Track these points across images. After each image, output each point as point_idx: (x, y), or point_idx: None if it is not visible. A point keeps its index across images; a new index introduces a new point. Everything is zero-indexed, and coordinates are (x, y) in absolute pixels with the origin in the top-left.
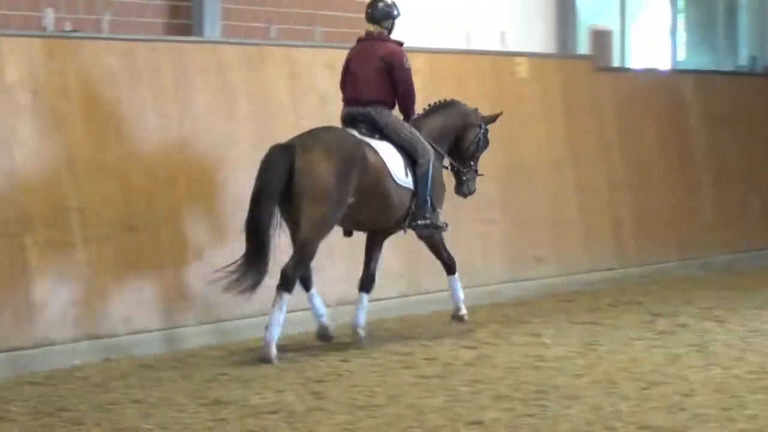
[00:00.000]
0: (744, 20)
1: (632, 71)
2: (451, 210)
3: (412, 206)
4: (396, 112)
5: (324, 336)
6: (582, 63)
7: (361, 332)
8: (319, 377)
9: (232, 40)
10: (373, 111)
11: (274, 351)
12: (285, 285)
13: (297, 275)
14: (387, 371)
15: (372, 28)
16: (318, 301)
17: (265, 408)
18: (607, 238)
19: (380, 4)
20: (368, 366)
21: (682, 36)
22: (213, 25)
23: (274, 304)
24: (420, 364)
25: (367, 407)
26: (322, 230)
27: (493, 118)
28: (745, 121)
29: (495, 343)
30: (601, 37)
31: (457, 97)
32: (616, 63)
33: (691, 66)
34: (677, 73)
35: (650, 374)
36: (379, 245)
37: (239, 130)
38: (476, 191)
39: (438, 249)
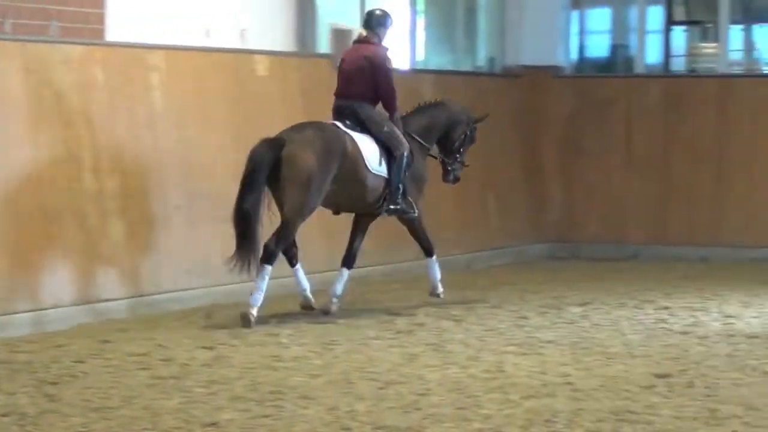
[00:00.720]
0: (483, 21)
1: None
2: (188, 210)
3: (386, 192)
4: (380, 107)
5: (307, 306)
6: (322, 62)
7: (335, 301)
8: (53, 379)
9: None
10: (356, 105)
11: (255, 313)
12: (267, 258)
13: (278, 250)
14: (122, 372)
15: (365, 32)
16: (301, 275)
17: None
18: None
19: (377, 13)
20: (103, 367)
21: (421, 36)
22: None
23: (257, 275)
24: (156, 365)
25: (102, 409)
26: (303, 213)
27: (481, 119)
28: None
29: (232, 343)
30: (341, 36)
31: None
32: None
33: (431, 66)
34: (416, 72)
35: (387, 374)
36: (364, 227)
37: None
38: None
39: (417, 233)
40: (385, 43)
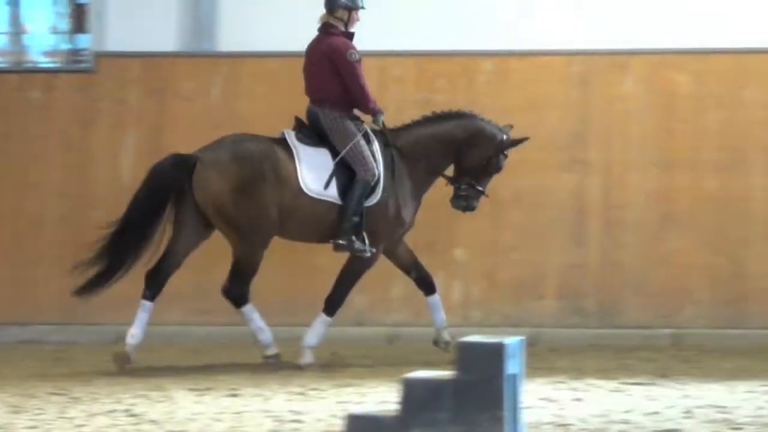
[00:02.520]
0: None
1: None
2: None
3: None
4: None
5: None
6: None
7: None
8: None
9: None
10: (321, 112)
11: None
12: (238, 303)
13: (241, 292)
14: None
15: (325, 18)
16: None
17: None
18: None
19: None
20: None
21: None
22: None
23: (248, 321)
24: None
25: None
26: (246, 247)
27: (516, 142)
28: None
29: None
30: None
31: None
32: None
33: None
34: None
35: None
36: (402, 253)
37: None
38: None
39: (343, 277)
40: (353, 27)
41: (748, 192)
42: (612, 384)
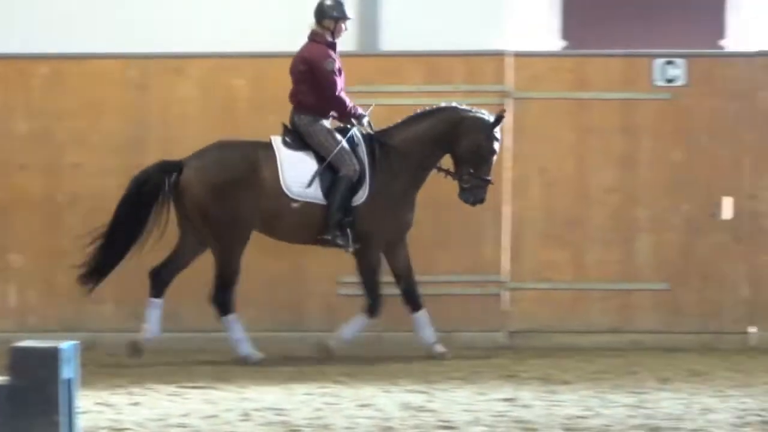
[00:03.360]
0: None
1: None
2: None
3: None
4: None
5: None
6: None
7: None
8: None
9: None
10: (297, 118)
11: (255, 353)
12: (222, 311)
13: (224, 300)
14: None
15: (312, 26)
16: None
17: None
18: None
19: (326, 3)
20: None
21: None
22: None
23: (228, 330)
24: None
25: None
26: (222, 250)
27: (497, 122)
28: None
29: None
30: None
31: None
32: None
33: None
34: None
35: None
36: (400, 258)
37: None
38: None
39: (364, 285)
40: (339, 36)
41: None
42: (170, 388)
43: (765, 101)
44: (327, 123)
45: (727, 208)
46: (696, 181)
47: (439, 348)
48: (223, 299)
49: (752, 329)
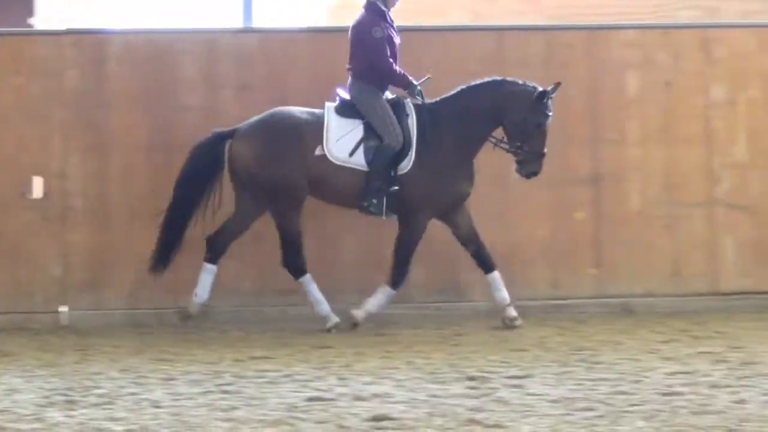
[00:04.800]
0: None
1: None
2: None
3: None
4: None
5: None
6: None
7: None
8: None
9: None
10: (350, 86)
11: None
12: (294, 275)
13: (295, 263)
14: None
15: None
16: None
17: None
18: None
19: None
20: None
21: None
22: None
23: (305, 292)
24: None
25: None
26: (279, 212)
27: (546, 95)
28: None
29: None
30: None
31: None
32: None
33: None
34: None
35: None
36: (463, 224)
37: None
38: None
39: (396, 250)
40: (392, 5)
41: None
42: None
43: (73, 80)
44: (378, 92)
45: (38, 187)
46: (6, 159)
47: (512, 312)
48: (293, 262)
49: (63, 308)
